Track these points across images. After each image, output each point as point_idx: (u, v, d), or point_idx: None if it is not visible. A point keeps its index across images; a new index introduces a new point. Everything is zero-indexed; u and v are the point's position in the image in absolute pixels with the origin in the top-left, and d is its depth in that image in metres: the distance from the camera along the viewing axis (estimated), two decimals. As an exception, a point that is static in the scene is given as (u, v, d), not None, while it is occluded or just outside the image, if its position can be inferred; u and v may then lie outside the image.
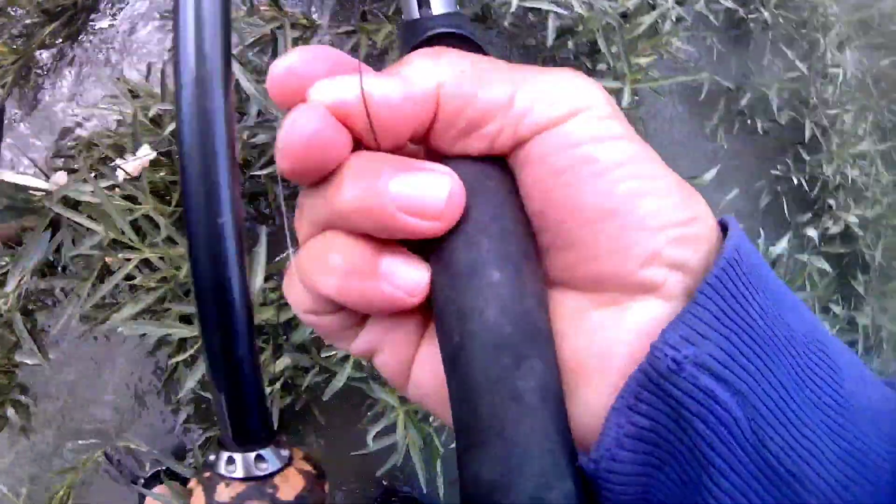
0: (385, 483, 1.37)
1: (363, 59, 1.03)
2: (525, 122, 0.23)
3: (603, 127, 0.24)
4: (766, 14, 1.40)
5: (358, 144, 0.25)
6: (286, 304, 1.14)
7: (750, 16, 1.41)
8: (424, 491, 1.02)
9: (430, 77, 0.24)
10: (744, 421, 0.21)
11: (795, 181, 1.42)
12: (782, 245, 1.28)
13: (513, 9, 1.07)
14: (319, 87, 0.24)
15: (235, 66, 0.92)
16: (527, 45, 1.25)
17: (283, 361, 1.12)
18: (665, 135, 1.35)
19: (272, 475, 0.32)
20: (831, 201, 1.45)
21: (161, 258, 0.89)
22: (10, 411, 1.22)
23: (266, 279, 0.98)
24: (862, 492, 0.21)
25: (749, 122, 1.40)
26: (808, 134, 1.40)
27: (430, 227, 0.23)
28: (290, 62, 0.25)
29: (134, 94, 1.08)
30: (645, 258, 0.23)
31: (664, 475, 0.22)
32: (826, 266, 1.37)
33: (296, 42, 1.09)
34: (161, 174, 1.13)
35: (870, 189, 1.46)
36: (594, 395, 0.23)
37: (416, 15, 0.36)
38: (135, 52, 1.26)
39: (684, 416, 0.21)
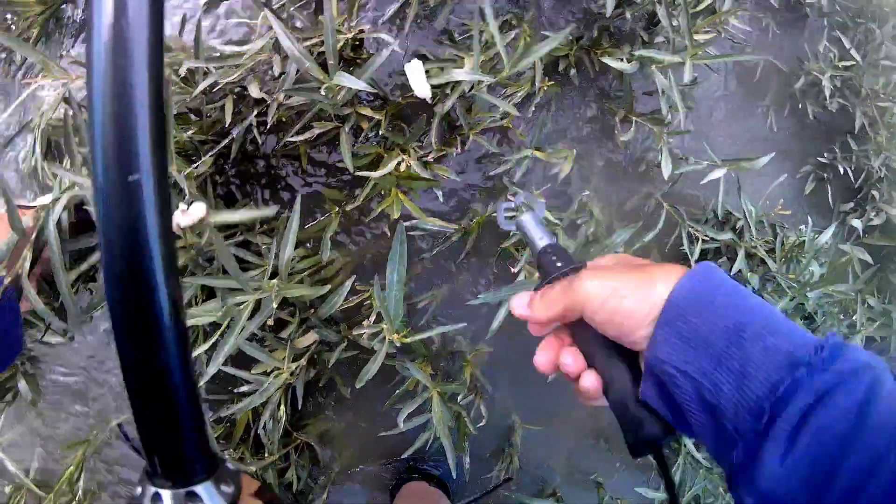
0: (408, 461, 1.36)
1: (413, 19, 1.01)
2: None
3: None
4: (822, 0, 1.38)
5: None
6: (317, 275, 1.14)
7: (807, 0, 1.38)
8: (453, 470, 1.01)
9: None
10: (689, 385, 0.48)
11: (842, 170, 1.40)
12: (828, 235, 1.27)
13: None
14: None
15: (275, 23, 0.89)
16: (585, 9, 1.22)
17: (311, 337, 1.11)
18: (717, 114, 1.33)
19: None
20: (875, 192, 1.43)
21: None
22: (22, 384, 1.23)
23: (296, 246, 0.96)
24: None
25: (800, 106, 1.38)
26: (857, 124, 1.38)
27: None
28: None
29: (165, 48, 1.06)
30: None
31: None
32: (868, 258, 1.35)
33: (341, -1, 1.08)
34: (190, 132, 1.12)
35: (914, 183, 1.44)
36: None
37: (544, 244, 0.65)
38: (168, 2, 1.24)
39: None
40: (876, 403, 0.39)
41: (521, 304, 0.60)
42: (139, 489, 0.29)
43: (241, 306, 0.85)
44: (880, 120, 1.40)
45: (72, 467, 1.21)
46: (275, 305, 0.87)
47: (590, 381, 0.54)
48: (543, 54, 0.99)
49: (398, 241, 0.94)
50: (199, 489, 0.27)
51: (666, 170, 1.16)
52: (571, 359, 0.56)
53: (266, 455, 1.13)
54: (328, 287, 1.02)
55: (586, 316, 0.53)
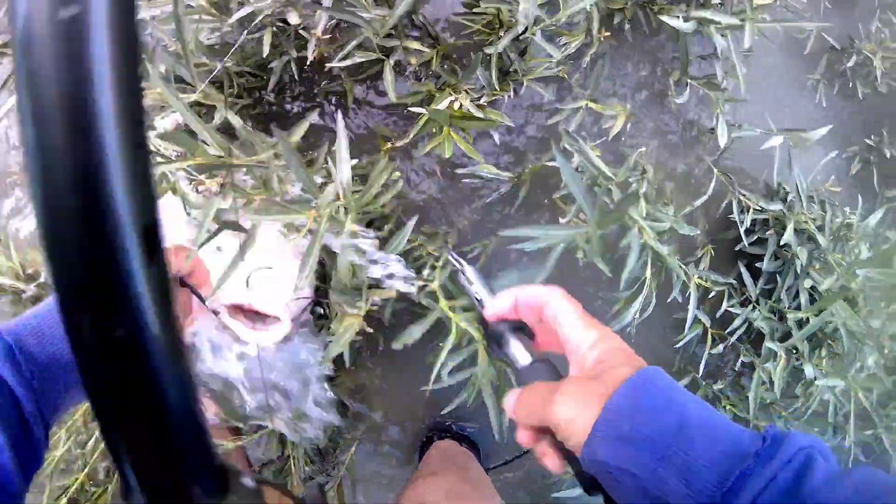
0: (439, 423, 1.30)
1: None
2: None
3: None
4: (875, -22, 1.35)
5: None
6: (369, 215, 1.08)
7: (860, -23, 1.35)
8: (496, 431, 0.95)
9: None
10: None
11: (888, 154, 1.36)
12: (877, 218, 1.23)
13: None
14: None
15: None
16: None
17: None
18: (766, 85, 1.30)
19: None
20: (921, 179, 1.40)
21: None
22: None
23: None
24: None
25: (851, 85, 1.34)
26: (907, 107, 1.35)
27: None
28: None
29: None
30: None
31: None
32: (912, 244, 1.32)
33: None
34: (226, 63, 1.06)
35: (960, 172, 1.41)
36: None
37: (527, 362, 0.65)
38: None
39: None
40: (811, 480, 0.42)
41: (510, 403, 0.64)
42: None
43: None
44: (926, 105, 1.37)
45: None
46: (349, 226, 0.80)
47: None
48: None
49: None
50: None
51: (722, 137, 1.11)
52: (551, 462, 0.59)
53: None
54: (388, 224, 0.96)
55: (546, 310, 0.62)
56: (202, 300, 0.78)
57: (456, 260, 0.84)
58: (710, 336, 1.20)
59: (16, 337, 0.58)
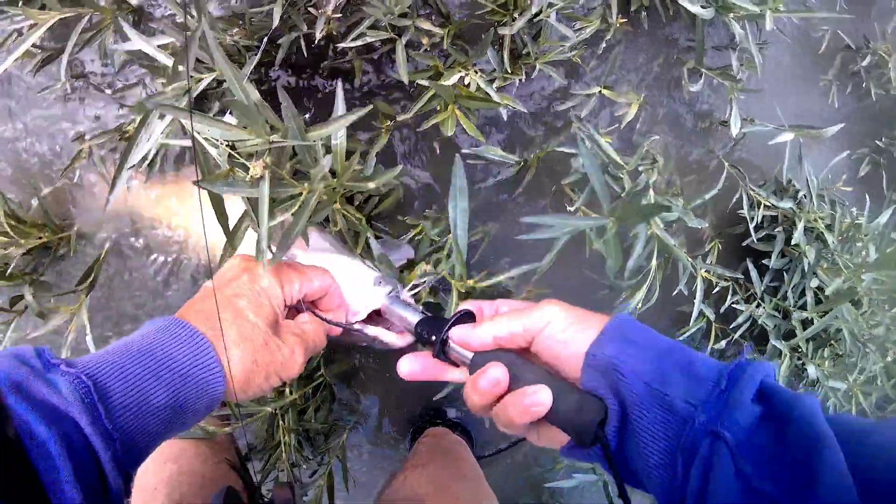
0: (431, 410, 1.29)
1: None
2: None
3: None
4: (893, -22, 1.34)
5: None
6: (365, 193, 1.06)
7: (877, -23, 1.34)
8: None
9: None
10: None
11: (897, 156, 1.35)
12: (885, 219, 1.21)
13: None
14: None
15: None
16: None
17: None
18: (779, 82, 1.28)
19: None
20: (929, 184, 1.39)
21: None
22: (29, 296, 1.12)
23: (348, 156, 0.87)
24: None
25: (864, 85, 1.33)
26: (919, 109, 1.34)
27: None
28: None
29: None
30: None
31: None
32: (920, 247, 1.30)
33: None
34: (235, 35, 1.04)
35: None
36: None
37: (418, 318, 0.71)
38: None
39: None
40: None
41: (410, 362, 0.66)
42: None
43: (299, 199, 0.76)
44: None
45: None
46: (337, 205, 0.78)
47: (502, 372, 0.58)
48: None
49: (457, 174, 0.83)
50: None
51: (735, 127, 1.10)
52: (502, 371, 0.58)
53: (287, 393, 1.04)
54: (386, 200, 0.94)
55: (543, 336, 0.59)
56: (328, 321, 0.76)
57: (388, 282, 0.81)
58: (714, 331, 1.19)
59: (94, 376, 0.52)
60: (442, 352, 0.64)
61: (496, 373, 0.57)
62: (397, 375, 0.67)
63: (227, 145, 0.67)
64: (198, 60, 0.89)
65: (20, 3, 0.96)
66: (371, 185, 0.84)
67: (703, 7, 1.07)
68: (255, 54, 1.09)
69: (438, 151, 1.11)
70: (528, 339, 0.60)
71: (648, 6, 1.12)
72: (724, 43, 1.19)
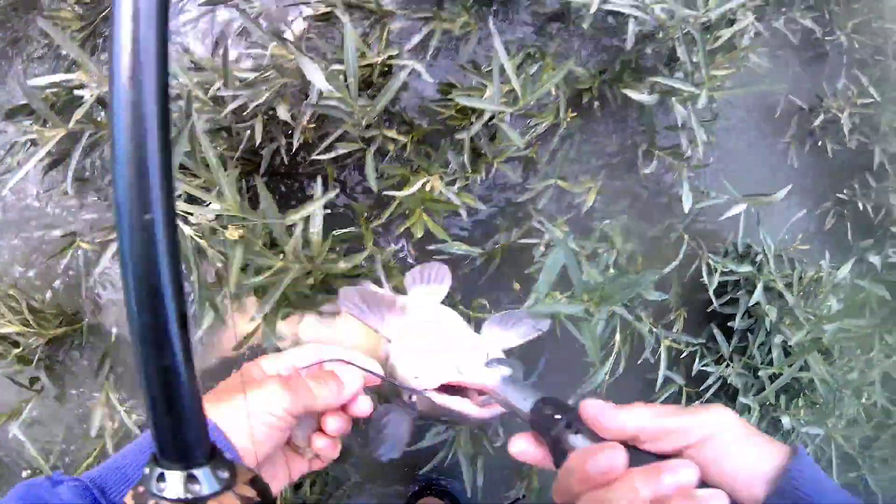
0: (423, 478, 1.37)
1: (437, 47, 1.03)
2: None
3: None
4: (842, 38, 1.40)
5: None
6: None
7: (827, 38, 1.40)
8: (468, 489, 1.02)
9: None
10: None
11: (861, 206, 1.41)
12: (845, 272, 1.27)
13: (592, 10, 1.08)
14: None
15: (298, 55, 0.94)
16: (606, 46, 1.26)
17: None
18: (737, 149, 1.35)
19: (204, 499, 0.31)
20: (895, 229, 1.44)
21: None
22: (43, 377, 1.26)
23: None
24: None
25: (819, 143, 1.39)
26: (876, 161, 1.39)
27: None
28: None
29: (198, 67, 1.09)
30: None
31: None
32: (887, 294, 1.35)
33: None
34: (221, 148, 1.15)
35: (936, 220, 1.45)
36: None
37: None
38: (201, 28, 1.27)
39: None
40: None
41: (527, 443, 0.60)
42: (147, 469, 0.32)
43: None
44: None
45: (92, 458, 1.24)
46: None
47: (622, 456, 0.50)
48: (558, 83, 1.03)
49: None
50: (197, 472, 0.32)
51: (686, 203, 1.17)
52: (622, 455, 0.48)
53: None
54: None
55: (710, 445, 0.50)
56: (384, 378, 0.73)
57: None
58: (684, 394, 1.26)
59: (100, 484, 0.53)
60: (560, 436, 0.55)
61: (617, 455, 0.48)
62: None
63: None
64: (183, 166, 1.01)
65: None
66: (342, 265, 0.95)
67: (647, 94, 1.15)
68: (242, 166, 1.21)
69: (413, 250, 1.21)
70: (679, 445, 0.51)
71: (599, 96, 1.21)
72: (675, 122, 1.27)
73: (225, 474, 0.32)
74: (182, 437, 0.31)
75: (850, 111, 1.37)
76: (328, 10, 1.17)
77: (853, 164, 1.44)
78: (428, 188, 1.07)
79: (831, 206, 1.43)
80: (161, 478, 0.31)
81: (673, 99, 1.15)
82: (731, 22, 1.22)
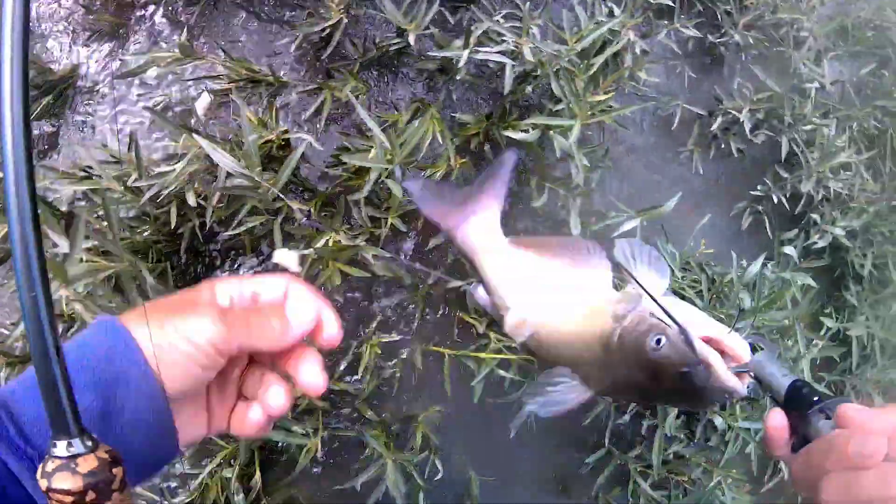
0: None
1: (328, 116, 1.12)
2: None
3: None
4: (736, 36, 1.43)
5: None
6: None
7: (720, 40, 1.44)
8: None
9: None
10: None
11: (776, 199, 1.43)
12: (757, 266, 1.30)
13: (462, 63, 1.16)
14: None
15: (202, 141, 1.04)
16: (492, 90, 1.33)
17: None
18: (639, 165, 1.40)
19: (76, 456, 0.44)
20: (816, 216, 1.46)
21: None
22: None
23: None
24: None
25: (723, 146, 1.43)
26: (784, 151, 1.42)
27: None
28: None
29: (117, 160, 1.20)
30: None
31: None
32: (811, 282, 1.37)
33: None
34: (145, 234, 1.25)
35: (855, 199, 1.46)
36: None
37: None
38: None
39: None
40: None
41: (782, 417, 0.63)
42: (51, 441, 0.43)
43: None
44: (809, 143, 1.43)
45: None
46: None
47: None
48: (444, 132, 1.13)
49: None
50: (73, 441, 0.44)
51: (575, 229, 1.23)
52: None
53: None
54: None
55: None
56: None
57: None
58: (612, 406, 1.30)
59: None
60: (812, 418, 0.59)
61: (883, 444, 0.49)
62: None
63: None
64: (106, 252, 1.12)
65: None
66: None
67: (527, 131, 1.22)
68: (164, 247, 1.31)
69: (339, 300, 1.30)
70: None
71: (488, 139, 1.28)
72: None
73: (90, 443, 0.44)
74: (62, 421, 0.43)
75: (750, 108, 1.40)
76: (228, 87, 1.29)
77: (763, 159, 1.47)
78: (331, 242, 1.16)
79: (747, 204, 1.46)
80: (54, 445, 0.43)
81: (551, 132, 1.21)
82: (604, 47, 1.27)
